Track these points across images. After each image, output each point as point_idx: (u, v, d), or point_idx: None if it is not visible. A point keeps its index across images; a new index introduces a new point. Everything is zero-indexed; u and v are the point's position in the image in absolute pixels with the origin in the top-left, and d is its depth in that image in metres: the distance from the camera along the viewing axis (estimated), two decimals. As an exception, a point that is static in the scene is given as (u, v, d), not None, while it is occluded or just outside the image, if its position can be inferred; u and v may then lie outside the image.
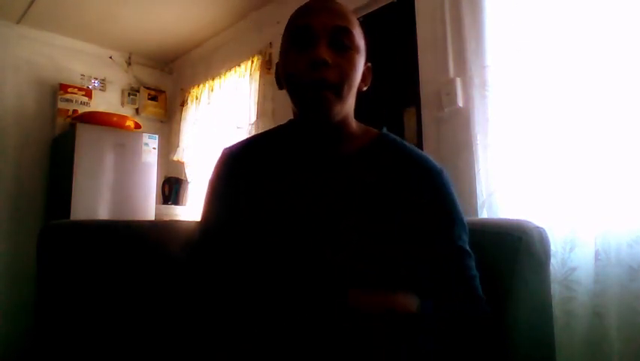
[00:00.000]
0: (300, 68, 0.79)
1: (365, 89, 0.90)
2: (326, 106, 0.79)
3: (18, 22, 3.17)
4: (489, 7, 1.71)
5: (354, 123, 0.90)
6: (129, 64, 3.71)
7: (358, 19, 0.89)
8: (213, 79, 3.29)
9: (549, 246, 0.97)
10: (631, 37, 1.35)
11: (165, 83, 3.90)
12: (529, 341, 0.91)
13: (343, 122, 0.86)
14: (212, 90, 3.28)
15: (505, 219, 1.47)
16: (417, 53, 2.02)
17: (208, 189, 0.94)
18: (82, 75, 3.46)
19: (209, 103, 3.29)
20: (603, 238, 1.33)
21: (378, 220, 0.80)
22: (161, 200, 3.44)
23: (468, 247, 0.82)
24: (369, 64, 0.90)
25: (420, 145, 1.98)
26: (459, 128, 1.81)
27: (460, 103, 1.83)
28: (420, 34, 2.03)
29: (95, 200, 2.87)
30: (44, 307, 1.14)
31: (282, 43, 0.87)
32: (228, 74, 3.17)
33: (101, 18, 3.13)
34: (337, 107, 0.81)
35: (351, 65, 0.81)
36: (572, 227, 1.39)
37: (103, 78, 3.57)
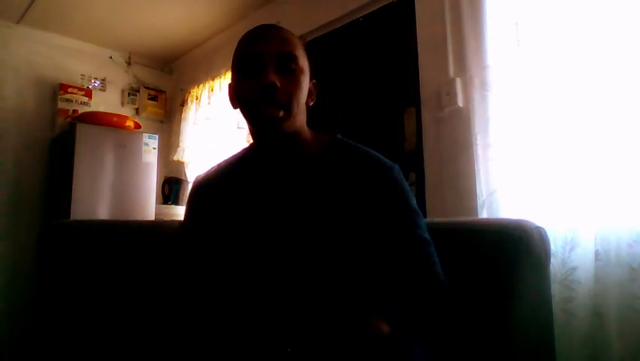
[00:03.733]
0: (252, 91, 0.88)
1: (312, 104, 0.98)
2: (277, 122, 0.87)
3: (18, 22, 3.16)
4: (489, 7, 1.71)
5: (307, 133, 0.97)
6: (129, 64, 3.71)
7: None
8: (213, 79, 3.28)
9: (549, 246, 0.97)
10: (630, 37, 1.35)
11: (165, 83, 3.90)
12: (529, 340, 0.91)
13: (295, 135, 0.93)
14: (212, 90, 3.28)
15: (505, 219, 1.46)
16: (417, 53, 2.02)
17: (184, 213, 1.03)
18: (82, 75, 3.46)
19: (209, 103, 3.29)
20: (603, 237, 1.33)
21: (339, 220, 0.85)
22: (161, 200, 3.44)
23: (426, 235, 0.88)
24: (314, 81, 0.98)
25: (420, 145, 1.98)
26: (459, 128, 1.81)
27: (460, 103, 1.83)
28: (420, 34, 2.03)
29: (95, 200, 2.87)
30: (44, 306, 1.14)
31: (232, 69, 0.95)
32: (228, 74, 3.17)
33: (101, 18, 3.13)
34: (287, 123, 0.89)
35: (297, 86, 0.90)
36: (572, 227, 1.39)
37: (103, 78, 3.57)
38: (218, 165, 1.07)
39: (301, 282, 0.82)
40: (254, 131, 0.96)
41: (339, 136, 0.99)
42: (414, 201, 0.90)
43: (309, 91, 0.95)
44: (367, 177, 0.89)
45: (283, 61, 0.88)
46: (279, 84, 0.85)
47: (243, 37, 0.94)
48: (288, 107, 0.88)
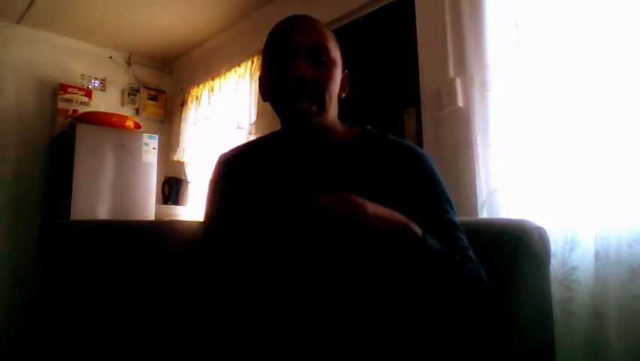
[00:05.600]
0: (281, 84, 0.86)
1: (344, 95, 0.96)
2: (307, 117, 0.86)
3: (18, 22, 3.16)
4: (489, 7, 1.71)
5: (339, 126, 0.95)
6: (129, 64, 3.71)
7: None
8: (213, 79, 3.29)
9: (549, 246, 0.97)
10: (630, 37, 1.35)
11: (165, 83, 3.90)
12: (529, 340, 0.91)
13: (327, 127, 0.91)
14: (212, 90, 3.28)
15: (505, 219, 1.46)
16: (417, 53, 2.02)
17: (208, 191, 0.99)
18: (82, 75, 3.46)
19: (209, 103, 3.29)
20: (603, 237, 1.33)
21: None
22: (161, 200, 3.44)
23: (456, 221, 0.85)
24: (347, 71, 0.96)
25: (420, 145, 1.98)
26: (459, 128, 1.81)
27: (460, 103, 1.83)
28: (420, 34, 2.03)
29: (95, 200, 2.87)
30: (44, 306, 1.14)
31: (262, 60, 0.93)
32: (228, 74, 3.17)
33: (101, 18, 3.13)
34: (319, 117, 0.87)
35: (328, 78, 0.87)
36: (572, 227, 1.39)
37: (103, 78, 3.57)
38: (245, 144, 1.05)
39: (318, 266, 0.79)
40: (284, 124, 0.94)
41: (369, 127, 0.97)
42: (445, 189, 0.88)
43: (341, 82, 0.93)
44: (399, 164, 0.87)
45: (314, 53, 0.86)
46: (309, 76, 0.83)
47: (274, 27, 0.92)
48: (320, 100, 0.86)
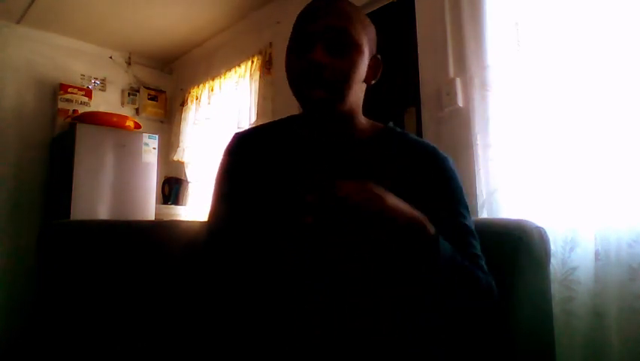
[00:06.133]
0: (296, 71, 0.83)
1: (373, 82, 0.91)
2: (322, 104, 0.82)
3: (18, 22, 3.17)
4: (489, 8, 1.71)
5: (361, 118, 0.92)
6: (129, 64, 3.71)
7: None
8: (213, 79, 3.29)
9: (549, 246, 0.97)
10: (630, 37, 1.35)
11: (165, 83, 3.90)
12: (529, 340, 0.91)
13: (349, 116, 0.88)
14: (212, 90, 3.28)
15: (505, 219, 1.46)
16: (417, 53, 2.02)
17: (219, 174, 0.94)
18: (82, 75, 3.46)
19: (209, 103, 3.29)
20: (603, 237, 1.33)
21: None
22: (161, 200, 3.44)
23: (472, 228, 0.84)
24: (378, 56, 0.90)
25: (420, 145, 1.98)
26: (459, 128, 1.81)
27: (460, 103, 1.83)
28: (420, 34, 2.03)
29: (95, 200, 2.87)
30: (44, 306, 1.14)
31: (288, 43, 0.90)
32: (228, 74, 3.17)
33: (101, 18, 3.13)
34: (335, 105, 0.83)
35: (349, 65, 0.82)
36: (572, 227, 1.39)
37: (103, 78, 3.57)
38: (262, 125, 1.00)
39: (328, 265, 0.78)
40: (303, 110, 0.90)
41: (391, 124, 0.95)
42: (464, 194, 0.87)
43: (369, 68, 0.87)
44: (421, 163, 0.85)
45: (334, 37, 0.80)
46: (325, 62, 0.79)
47: (301, 11, 0.88)
48: (337, 87, 0.81)
